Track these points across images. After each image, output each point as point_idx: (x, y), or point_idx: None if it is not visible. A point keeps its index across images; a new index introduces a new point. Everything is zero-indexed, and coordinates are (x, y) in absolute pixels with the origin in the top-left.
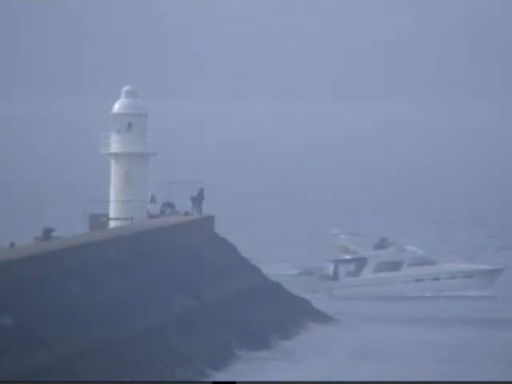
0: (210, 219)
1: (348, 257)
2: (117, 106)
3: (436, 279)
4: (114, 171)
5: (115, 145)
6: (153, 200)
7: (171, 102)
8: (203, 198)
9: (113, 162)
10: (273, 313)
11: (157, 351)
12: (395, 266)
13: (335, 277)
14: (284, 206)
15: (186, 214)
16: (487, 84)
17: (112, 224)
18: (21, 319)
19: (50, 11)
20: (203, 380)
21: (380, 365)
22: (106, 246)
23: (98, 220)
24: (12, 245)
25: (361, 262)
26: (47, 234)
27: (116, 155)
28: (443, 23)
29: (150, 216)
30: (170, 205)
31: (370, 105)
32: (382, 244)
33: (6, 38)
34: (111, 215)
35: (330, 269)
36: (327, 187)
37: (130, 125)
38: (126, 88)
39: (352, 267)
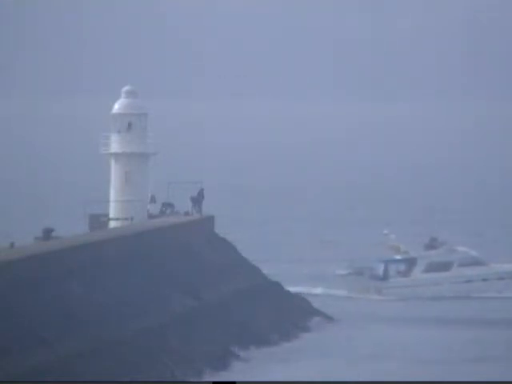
0: (210, 219)
1: (398, 257)
2: (117, 106)
3: (485, 280)
4: (114, 171)
5: (115, 145)
6: (153, 200)
7: (171, 102)
8: (203, 198)
9: (113, 162)
10: (273, 313)
11: (157, 351)
12: (445, 266)
13: (385, 277)
14: (284, 206)
15: (186, 214)
16: (487, 84)
17: (112, 224)
18: (21, 319)
19: (49, 11)
20: (203, 380)
21: (377, 365)
22: (105, 246)
23: (98, 220)
24: (12, 245)
25: (411, 262)
26: (47, 234)
27: (116, 155)
28: (443, 23)
29: (150, 216)
30: (169, 205)
31: (369, 105)
32: (432, 244)
33: (6, 38)
34: (111, 215)
35: (380, 269)
36: (327, 187)
37: (129, 125)
38: (126, 88)
39: (402, 267)
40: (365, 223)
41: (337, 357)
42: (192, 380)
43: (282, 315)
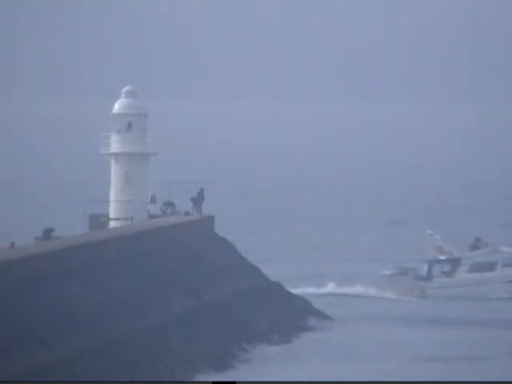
0: (210, 219)
1: (442, 257)
2: (117, 106)
3: None
4: (114, 171)
5: (115, 145)
6: (153, 200)
7: (171, 102)
8: (203, 198)
9: (113, 162)
10: (273, 313)
11: (157, 351)
12: (489, 266)
13: (429, 277)
14: (284, 206)
15: (186, 214)
16: (487, 84)
17: (112, 224)
18: (21, 319)
19: (50, 11)
20: (203, 380)
21: (374, 365)
22: (105, 246)
23: (98, 220)
24: (12, 245)
25: (455, 263)
26: (47, 234)
27: (116, 155)
28: (443, 23)
29: (150, 216)
30: (170, 204)
31: (369, 105)
32: (476, 245)
33: (6, 38)
34: (111, 215)
35: (424, 269)
36: (327, 187)
37: (129, 125)
38: (126, 88)
39: (446, 267)
40: (365, 223)
41: (336, 357)
42: (192, 380)
43: (281, 315)
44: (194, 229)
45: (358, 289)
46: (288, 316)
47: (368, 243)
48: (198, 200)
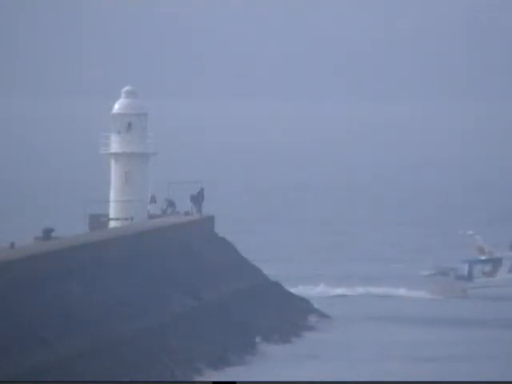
0: (210, 219)
1: (483, 257)
2: (117, 107)
3: None
4: (114, 171)
5: (115, 145)
6: (153, 200)
7: (171, 102)
8: (203, 198)
9: (113, 162)
10: (273, 313)
11: (157, 351)
12: None
13: (469, 277)
14: (284, 205)
15: (186, 213)
16: (487, 84)
17: (112, 224)
18: (21, 319)
19: (50, 11)
20: (203, 380)
21: (375, 365)
22: (105, 246)
23: (98, 220)
24: (12, 245)
25: (496, 263)
26: (47, 234)
27: (116, 155)
28: (443, 23)
29: (150, 216)
30: (171, 203)
31: (369, 105)
32: None
33: (6, 38)
34: (111, 215)
35: (465, 269)
36: (327, 187)
37: (129, 125)
38: (126, 88)
39: (487, 268)
40: (365, 223)
41: (336, 356)
42: (192, 380)
43: (281, 315)
44: (194, 229)
45: (399, 290)
46: (288, 316)
47: (368, 243)
48: (197, 199)
